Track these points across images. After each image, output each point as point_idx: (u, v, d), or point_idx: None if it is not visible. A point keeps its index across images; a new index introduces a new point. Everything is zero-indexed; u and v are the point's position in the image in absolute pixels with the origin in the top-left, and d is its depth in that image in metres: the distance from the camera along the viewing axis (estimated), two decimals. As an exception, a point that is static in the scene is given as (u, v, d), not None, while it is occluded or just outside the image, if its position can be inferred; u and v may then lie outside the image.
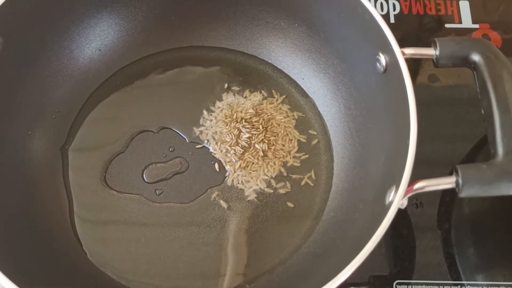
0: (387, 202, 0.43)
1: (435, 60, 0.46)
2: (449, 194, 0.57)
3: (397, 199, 0.41)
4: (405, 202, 0.42)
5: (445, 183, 0.42)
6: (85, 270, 0.50)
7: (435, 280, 0.52)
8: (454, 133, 0.60)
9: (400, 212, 0.42)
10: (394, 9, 0.68)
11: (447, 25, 0.67)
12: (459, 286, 0.52)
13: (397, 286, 0.52)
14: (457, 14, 0.68)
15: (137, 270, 0.51)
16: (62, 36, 0.56)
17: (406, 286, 0.52)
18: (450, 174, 0.43)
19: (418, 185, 0.42)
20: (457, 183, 0.42)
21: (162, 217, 0.53)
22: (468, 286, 0.52)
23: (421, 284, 0.52)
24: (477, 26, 0.67)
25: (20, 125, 0.53)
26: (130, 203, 0.54)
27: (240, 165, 0.55)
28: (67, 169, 0.55)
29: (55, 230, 0.51)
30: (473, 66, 0.45)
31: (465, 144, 0.59)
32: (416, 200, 0.56)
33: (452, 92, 0.63)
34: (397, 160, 0.44)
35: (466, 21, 0.67)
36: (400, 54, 0.45)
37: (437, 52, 0.46)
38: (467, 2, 0.68)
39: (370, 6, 0.48)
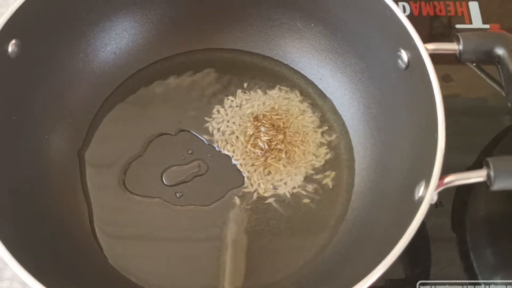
0: (416, 197, 0.43)
1: (458, 55, 0.46)
2: (466, 194, 0.56)
3: (429, 193, 0.41)
4: (435, 197, 0.42)
5: (476, 176, 0.42)
6: (106, 275, 0.49)
7: (458, 279, 0.52)
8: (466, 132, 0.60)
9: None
10: (404, 11, 0.68)
11: (457, 26, 0.67)
12: (482, 285, 0.52)
13: (420, 286, 0.51)
14: (467, 15, 0.68)
15: (159, 274, 0.50)
16: (77, 40, 0.56)
17: (429, 286, 0.52)
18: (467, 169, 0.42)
19: (448, 178, 0.42)
20: (488, 176, 0.41)
21: (184, 220, 0.52)
22: (492, 285, 0.52)
23: (445, 284, 0.52)
24: (487, 26, 0.67)
25: (37, 130, 0.53)
26: (150, 206, 0.53)
27: (260, 167, 0.55)
28: (85, 174, 0.54)
29: (75, 236, 0.50)
30: (497, 60, 0.45)
31: (473, 147, 0.59)
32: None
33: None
34: (424, 155, 0.43)
35: (476, 22, 0.67)
36: (424, 49, 0.45)
37: (461, 47, 0.46)
38: (477, 3, 0.68)
39: (390, 2, 0.48)
